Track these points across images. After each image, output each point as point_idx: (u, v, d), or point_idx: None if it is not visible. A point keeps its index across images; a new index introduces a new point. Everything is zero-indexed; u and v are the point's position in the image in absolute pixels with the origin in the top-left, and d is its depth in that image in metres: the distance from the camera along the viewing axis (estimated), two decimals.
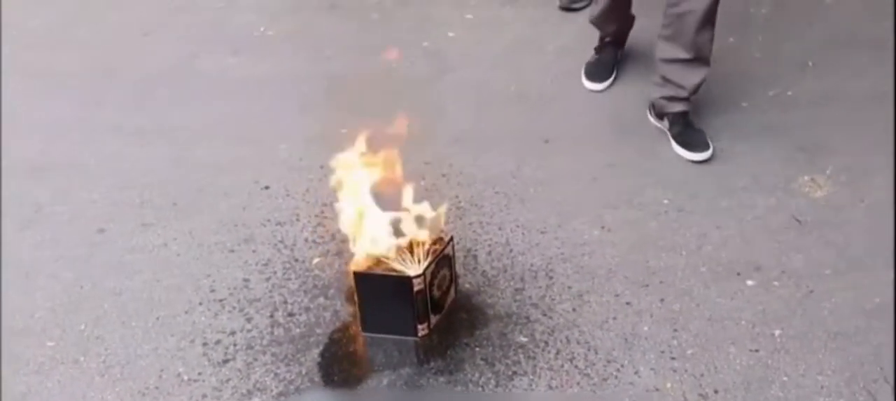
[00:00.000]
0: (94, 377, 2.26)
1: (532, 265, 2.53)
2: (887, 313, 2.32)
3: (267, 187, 2.85)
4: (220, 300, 2.48)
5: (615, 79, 3.25)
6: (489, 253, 2.58)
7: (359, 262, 2.29)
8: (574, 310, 2.39)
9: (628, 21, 3.22)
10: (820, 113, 3.03)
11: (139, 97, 3.36)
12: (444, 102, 3.24)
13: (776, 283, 2.43)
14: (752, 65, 3.29)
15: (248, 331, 2.38)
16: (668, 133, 2.93)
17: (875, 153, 2.80)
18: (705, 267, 2.49)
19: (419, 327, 2.30)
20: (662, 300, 2.40)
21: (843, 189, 2.71)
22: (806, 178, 2.74)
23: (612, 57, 3.29)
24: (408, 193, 2.35)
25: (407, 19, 3.76)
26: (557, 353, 2.27)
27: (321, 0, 3.92)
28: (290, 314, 2.42)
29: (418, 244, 2.28)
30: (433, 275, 2.27)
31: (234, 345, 2.34)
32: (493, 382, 2.19)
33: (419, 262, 2.25)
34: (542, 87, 3.29)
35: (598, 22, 3.15)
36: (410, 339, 2.31)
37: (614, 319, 2.36)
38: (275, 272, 2.55)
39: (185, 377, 2.26)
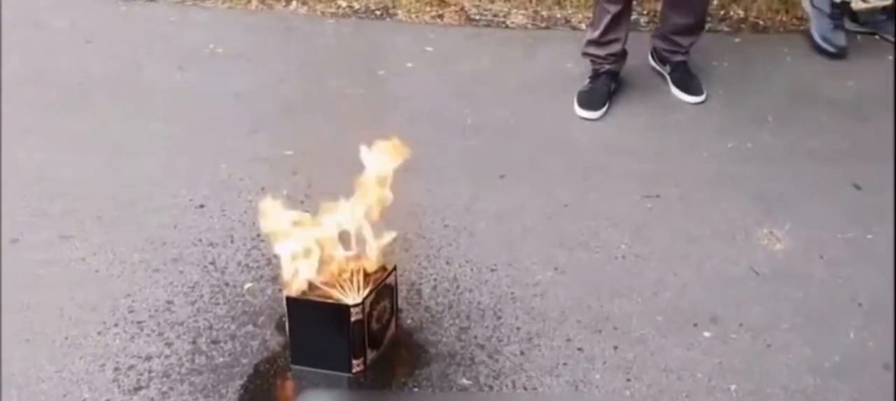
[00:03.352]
0: None
1: (480, 304, 2.38)
2: (845, 373, 2.21)
3: (201, 206, 2.66)
4: (139, 322, 2.28)
5: (607, 110, 3.19)
6: (434, 288, 2.42)
7: (292, 287, 2.11)
8: (522, 353, 2.24)
9: (623, 53, 3.25)
10: (779, 167, 2.95)
11: (77, 103, 3.18)
12: (396, 131, 3.10)
13: (733, 335, 2.30)
14: (712, 116, 3.22)
15: (167, 357, 2.18)
16: (668, 77, 3.33)
17: (832, 211, 2.73)
18: (662, 316, 2.36)
19: (354, 362, 2.12)
20: (616, 348, 2.26)
21: (802, 244, 2.61)
22: (764, 230, 2.64)
23: (606, 86, 3.24)
24: (352, 219, 2.19)
25: (364, 47, 3.64)
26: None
27: (276, 22, 3.79)
28: (215, 342, 2.23)
29: (358, 272, 2.12)
30: (372, 305, 2.11)
31: (150, 371, 2.14)
32: None
33: (359, 290, 2.09)
34: (501, 120, 3.17)
35: (597, 43, 3.20)
36: (343, 375, 2.14)
37: (564, 365, 2.21)
38: (202, 296, 2.36)
39: None
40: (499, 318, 2.33)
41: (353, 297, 2.07)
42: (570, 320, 2.34)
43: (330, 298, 2.07)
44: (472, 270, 2.49)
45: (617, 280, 2.47)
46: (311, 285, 2.10)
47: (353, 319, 2.06)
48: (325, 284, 2.09)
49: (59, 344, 2.20)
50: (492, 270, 2.49)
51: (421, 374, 2.16)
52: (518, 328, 2.31)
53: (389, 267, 2.18)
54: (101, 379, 2.11)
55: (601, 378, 2.17)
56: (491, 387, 2.13)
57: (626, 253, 2.57)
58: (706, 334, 2.31)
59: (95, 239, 2.53)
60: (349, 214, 2.16)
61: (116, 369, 2.14)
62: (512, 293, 2.42)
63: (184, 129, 3.07)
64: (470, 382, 2.15)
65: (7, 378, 2.09)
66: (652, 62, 3.42)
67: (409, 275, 2.45)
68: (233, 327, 2.27)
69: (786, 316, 2.37)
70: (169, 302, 2.34)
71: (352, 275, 2.11)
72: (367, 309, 2.07)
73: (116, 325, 2.26)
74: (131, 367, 2.15)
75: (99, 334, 2.23)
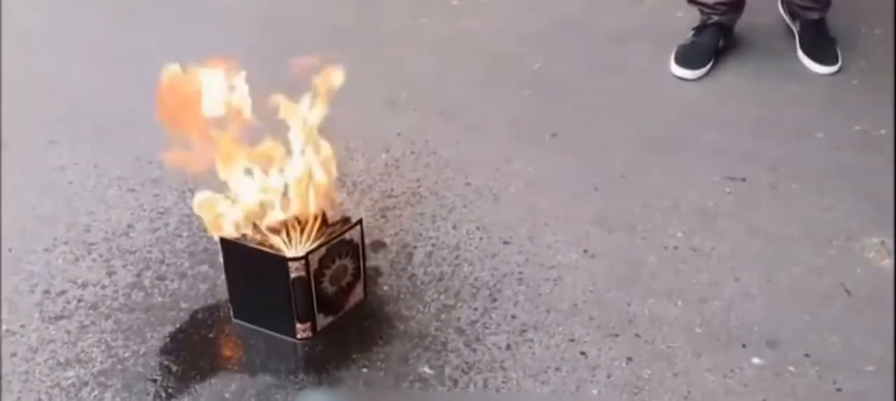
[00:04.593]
0: None
1: (476, 280, 1.95)
2: None
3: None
4: (90, 244, 2.03)
5: (711, 69, 2.64)
6: (429, 254, 2.02)
7: (234, 225, 1.78)
8: (508, 347, 1.80)
9: (738, 2, 2.68)
10: None
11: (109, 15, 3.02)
12: (445, 68, 2.71)
13: (792, 368, 1.75)
14: (842, 92, 2.57)
15: (103, 287, 1.92)
16: (797, 37, 2.72)
17: None
18: (703, 328, 1.84)
19: (299, 326, 1.77)
20: (630, 360, 1.78)
21: None
22: (873, 240, 2.03)
23: (713, 41, 2.68)
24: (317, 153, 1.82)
25: None
26: (464, 400, 1.70)
27: None
28: (160, 278, 1.95)
29: (313, 221, 1.76)
30: (323, 263, 1.74)
31: (79, 300, 1.89)
32: None
33: (307, 242, 1.73)
34: (574, 71, 2.69)
35: None
36: (288, 339, 1.80)
37: (557, 370, 1.76)
38: (166, 224, 2.08)
39: (5, 327, 1.83)
40: (494, 300, 1.90)
41: (295, 249, 1.71)
42: (581, 315, 1.87)
43: (268, 246, 1.73)
44: (480, 239, 2.06)
45: (657, 276, 1.96)
46: (257, 228, 1.77)
47: (292, 274, 1.70)
48: (272, 229, 1.75)
49: (3, 257, 2.00)
50: (505, 243, 2.06)
51: (377, 352, 1.77)
52: (513, 317, 1.87)
53: (353, 219, 1.80)
54: (26, 301, 1.88)
55: (598, 395, 1.70)
56: (454, 382, 1.72)
57: (679, 244, 2.05)
58: (756, 360, 1.77)
59: (81, 149, 2.32)
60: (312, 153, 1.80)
61: (46, 292, 1.90)
62: (519, 274, 1.97)
63: (209, 49, 2.79)
64: (431, 372, 1.74)
65: None
66: (781, 12, 2.80)
67: (404, 235, 2.06)
68: (187, 264, 1.98)
69: (873, 355, 1.78)
70: (130, 227, 2.08)
71: (305, 224, 1.75)
72: (312, 266, 1.71)
73: (66, 244, 2.03)
74: (62, 292, 1.90)
75: (45, 250, 2.01)
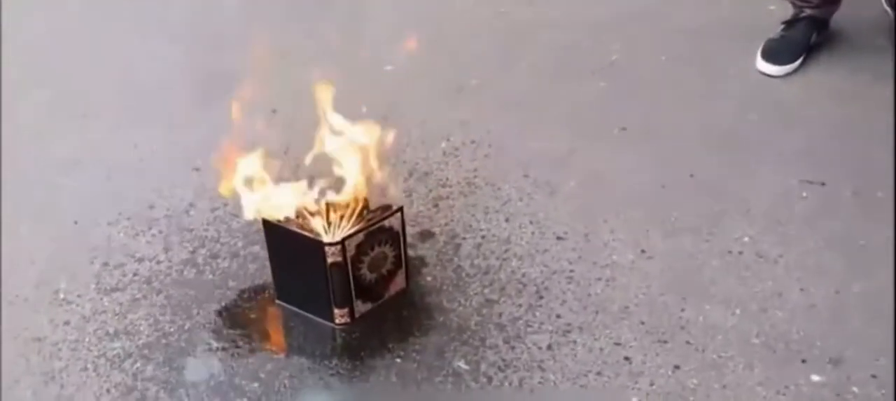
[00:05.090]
0: None
1: (524, 276, 1.89)
2: None
3: (274, 111, 2.42)
4: (152, 220, 2.08)
5: (801, 66, 2.49)
6: (478, 246, 1.97)
7: (278, 208, 1.78)
8: (549, 347, 1.74)
9: None
10: None
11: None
12: (517, 57, 2.64)
13: (856, 389, 1.61)
14: None
15: (158, 263, 1.96)
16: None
17: None
18: (761, 339, 1.73)
19: (337, 311, 1.76)
20: (677, 368, 1.68)
21: None
22: None
23: (805, 36, 2.52)
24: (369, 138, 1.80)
25: None
26: (498, 399, 1.64)
27: None
28: (213, 256, 1.97)
29: (354, 207, 1.74)
30: (361, 250, 1.72)
31: (135, 274, 1.93)
32: None
33: (345, 227, 1.71)
34: (652, 63, 2.57)
35: None
36: (327, 324, 1.79)
37: (598, 374, 1.68)
38: (226, 204, 2.11)
39: (62, 295, 1.89)
40: (540, 298, 1.84)
41: (332, 234, 1.70)
42: (630, 319, 1.79)
43: (308, 230, 1.72)
44: (533, 234, 2.00)
45: (717, 281, 1.85)
46: (300, 211, 1.76)
47: (329, 260, 1.69)
48: (313, 213, 1.74)
49: (66, 227, 2.07)
50: (558, 239, 1.99)
51: (413, 343, 1.74)
52: (558, 316, 1.80)
53: (394, 206, 1.77)
54: (85, 273, 1.93)
55: (606, 395, 1.62)
56: (488, 379, 1.67)
57: (744, 249, 1.93)
58: (815, 377, 1.65)
59: (156, 128, 2.38)
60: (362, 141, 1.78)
61: (105, 264, 1.96)
62: (570, 272, 1.90)
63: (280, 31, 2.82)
64: (466, 367, 1.70)
65: (5, 254, 2.01)
66: (885, 6, 2.60)
67: (454, 226, 2.02)
68: (239, 244, 1.99)
69: None
70: (191, 205, 2.12)
71: (346, 210, 1.73)
72: (349, 251, 1.69)
73: (129, 218, 2.08)
74: (120, 265, 1.96)
75: (109, 224, 2.07)
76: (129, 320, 1.82)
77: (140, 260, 1.97)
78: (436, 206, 2.09)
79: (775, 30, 2.55)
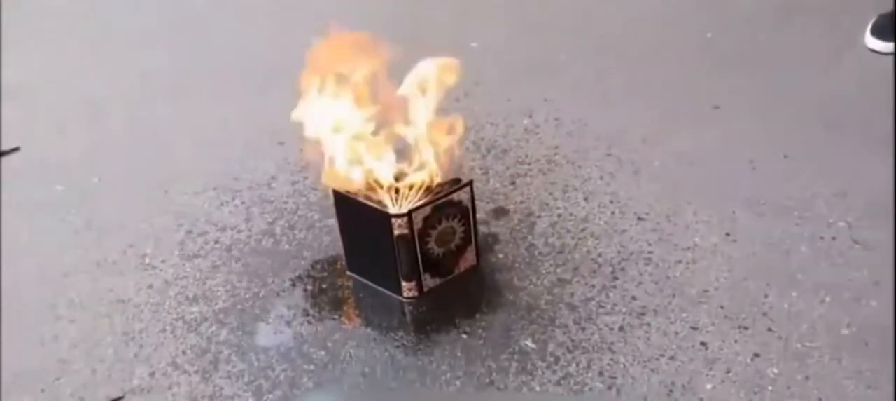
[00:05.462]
0: (71, 235, 2.04)
1: (600, 256, 1.83)
2: None
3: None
4: (236, 191, 2.12)
5: None
6: (553, 225, 1.92)
7: (347, 178, 1.78)
8: (621, 329, 1.67)
9: None
10: None
11: None
12: (610, 33, 2.56)
13: None
14: None
15: (239, 232, 2.00)
16: None
17: None
18: (851, 329, 1.61)
19: (405, 285, 1.75)
20: (756, 356, 1.59)
21: None
22: None
23: None
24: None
25: None
26: (564, 378, 1.59)
27: None
28: (291, 227, 2.00)
29: (425, 178, 1.72)
30: (428, 223, 1.70)
31: (216, 242, 1.97)
32: (457, 382, 1.59)
33: (413, 199, 1.70)
34: (750, 41, 2.45)
35: None
36: (394, 297, 1.78)
37: (671, 358, 1.60)
38: (306, 178, 2.13)
39: (148, 260, 1.96)
40: (615, 279, 1.77)
41: (399, 206, 1.68)
42: (710, 303, 1.70)
43: (376, 201, 1.71)
44: (612, 213, 1.94)
45: (806, 268, 1.74)
46: (369, 183, 1.76)
47: (396, 232, 1.68)
48: (382, 185, 1.73)
49: (156, 194, 2.14)
50: (639, 220, 1.91)
51: (480, 320, 1.71)
52: (633, 298, 1.73)
53: (464, 180, 1.74)
54: (170, 238, 2.00)
55: (711, 389, 1.54)
56: (555, 359, 1.62)
57: (839, 234, 1.81)
58: None
59: (250, 101, 2.44)
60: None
61: (189, 231, 2.01)
62: (649, 253, 1.82)
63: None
64: (533, 346, 1.65)
65: (95, 216, 2.09)
66: None
67: (530, 203, 1.98)
68: (316, 216, 2.01)
69: None
70: (273, 178, 2.15)
71: (415, 183, 1.72)
72: (416, 224, 1.68)
73: (215, 189, 2.13)
74: (203, 233, 2.01)
75: (195, 193, 2.13)
76: (207, 285, 1.87)
77: (222, 229, 2.02)
78: (512, 183, 2.05)
79: (888, 4, 2.38)
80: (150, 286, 1.89)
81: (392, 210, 1.68)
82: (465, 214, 1.75)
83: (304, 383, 1.61)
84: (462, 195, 1.73)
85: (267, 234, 1.99)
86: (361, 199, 1.72)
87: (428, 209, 1.69)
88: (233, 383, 1.64)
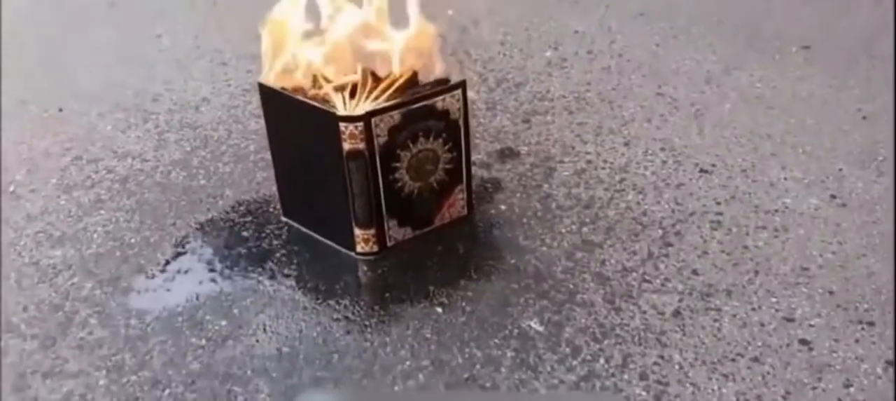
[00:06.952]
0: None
1: (645, 215, 1.27)
2: None
3: None
4: (150, 114, 1.60)
5: None
6: (579, 173, 1.36)
7: (288, 74, 1.23)
8: (676, 315, 1.09)
9: None
10: None
11: None
12: None
13: None
14: None
15: (144, 161, 1.47)
16: None
17: None
18: None
19: (359, 234, 1.19)
20: (890, 366, 1.02)
21: None
22: None
23: None
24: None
25: None
26: (585, 378, 1.03)
27: None
28: (214, 158, 1.45)
29: (397, 77, 1.18)
30: (396, 138, 1.15)
31: (109, 171, 1.43)
32: (420, 376, 1.02)
33: (373, 100, 1.15)
34: None
35: None
36: (344, 252, 1.22)
37: (755, 361, 1.04)
38: (249, 102, 1.57)
39: (13, 188, 1.39)
40: (667, 246, 1.20)
41: (354, 107, 1.14)
42: (811, 285, 1.12)
43: (319, 100, 1.17)
44: (664, 163, 1.38)
45: None
46: (317, 80, 1.21)
47: (346, 146, 1.13)
48: (337, 87, 1.19)
49: (49, 114, 1.61)
50: (702, 173, 1.35)
51: (466, 288, 1.16)
52: (694, 273, 1.16)
53: (452, 79, 1.19)
54: (49, 165, 1.45)
55: (767, 393, 0.97)
56: (574, 350, 1.05)
57: None
58: None
59: (189, 21, 1.92)
60: None
61: (78, 157, 1.48)
62: (717, 215, 1.26)
63: None
64: (540, 329, 1.09)
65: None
66: None
67: (548, 146, 1.42)
68: (252, 147, 1.46)
69: None
70: (204, 100, 1.63)
71: (383, 81, 1.17)
72: (379, 137, 1.13)
73: (125, 110, 1.60)
74: (95, 160, 1.47)
75: (99, 115, 1.59)
76: (82, 224, 1.32)
77: (122, 157, 1.48)
78: (526, 121, 1.50)
79: None
80: (6, 220, 1.35)
81: (341, 111, 1.13)
82: (455, 132, 1.19)
83: (187, 363, 1.06)
84: (450, 102, 1.17)
85: (180, 165, 1.45)
86: (299, 97, 1.17)
87: (396, 115, 1.13)
88: (82, 356, 1.09)
